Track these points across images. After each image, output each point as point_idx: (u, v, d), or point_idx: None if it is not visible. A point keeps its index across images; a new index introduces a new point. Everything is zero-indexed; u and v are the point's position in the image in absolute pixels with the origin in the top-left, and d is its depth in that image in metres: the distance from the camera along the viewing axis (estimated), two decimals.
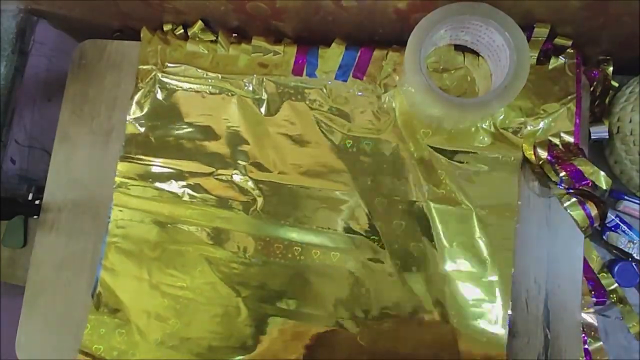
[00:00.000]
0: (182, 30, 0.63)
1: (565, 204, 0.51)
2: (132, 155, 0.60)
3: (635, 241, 0.56)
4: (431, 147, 0.53)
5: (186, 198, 0.58)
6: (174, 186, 0.59)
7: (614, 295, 0.57)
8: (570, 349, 0.50)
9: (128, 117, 0.61)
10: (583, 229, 0.51)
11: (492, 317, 0.49)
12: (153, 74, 0.61)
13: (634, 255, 0.56)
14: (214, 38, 0.61)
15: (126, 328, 0.57)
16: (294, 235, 0.55)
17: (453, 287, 0.51)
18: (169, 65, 0.60)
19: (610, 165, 0.56)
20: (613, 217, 0.57)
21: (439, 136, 0.53)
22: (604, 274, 0.57)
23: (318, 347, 0.53)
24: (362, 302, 0.53)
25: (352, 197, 0.54)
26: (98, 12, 0.64)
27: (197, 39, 0.62)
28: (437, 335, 0.51)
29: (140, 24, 0.63)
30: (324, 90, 0.56)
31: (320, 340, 0.53)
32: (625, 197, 0.57)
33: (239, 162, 0.57)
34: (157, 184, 0.59)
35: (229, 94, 0.59)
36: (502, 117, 0.52)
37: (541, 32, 0.51)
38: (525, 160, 0.52)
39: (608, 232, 0.57)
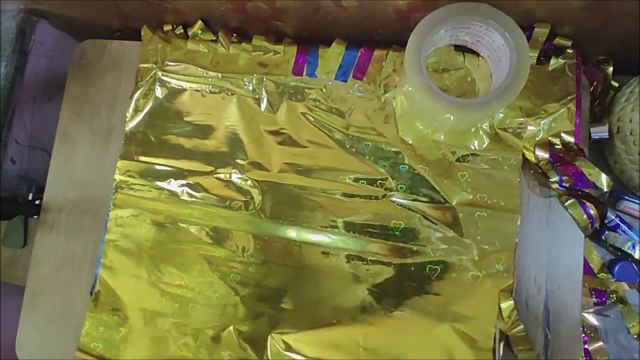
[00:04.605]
0: (182, 31, 0.63)
1: (565, 204, 0.51)
2: (132, 154, 0.60)
3: (635, 241, 0.56)
4: (431, 147, 0.53)
5: (185, 197, 0.58)
6: (173, 185, 0.59)
7: (614, 295, 0.57)
8: (570, 349, 0.50)
9: (127, 116, 0.61)
10: (583, 228, 0.51)
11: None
12: (153, 72, 0.61)
13: (634, 255, 0.56)
14: (214, 38, 0.61)
15: (124, 326, 0.57)
16: (293, 234, 0.55)
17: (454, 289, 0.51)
18: (169, 63, 0.60)
19: (610, 165, 0.56)
20: (613, 217, 0.57)
21: (438, 136, 0.53)
22: (604, 274, 0.57)
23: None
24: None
25: (352, 196, 0.54)
26: (98, 12, 0.64)
27: (198, 38, 0.62)
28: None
29: (140, 24, 0.63)
30: (324, 91, 0.56)
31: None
32: (625, 197, 0.57)
33: (238, 161, 0.57)
34: (157, 183, 0.59)
35: (229, 93, 0.59)
36: (502, 117, 0.52)
37: (541, 32, 0.51)
38: (525, 160, 0.52)
39: (607, 232, 0.57)
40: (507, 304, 0.49)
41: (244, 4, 0.54)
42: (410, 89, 0.49)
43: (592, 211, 0.50)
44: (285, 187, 0.56)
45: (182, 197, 0.58)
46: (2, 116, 0.62)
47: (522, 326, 0.49)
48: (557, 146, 0.51)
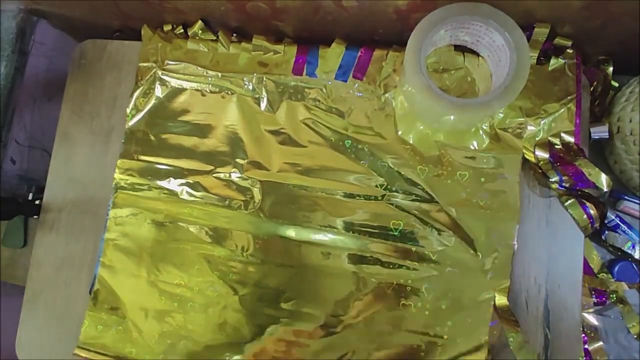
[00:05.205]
0: (182, 30, 0.63)
1: (565, 204, 0.51)
2: (132, 153, 0.60)
3: (635, 241, 0.56)
4: (431, 147, 0.53)
5: (185, 196, 0.58)
6: (173, 184, 0.59)
7: (614, 295, 0.57)
8: (570, 349, 0.50)
9: (127, 115, 0.61)
10: (583, 228, 0.51)
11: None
12: (153, 71, 0.61)
13: (634, 255, 0.56)
14: (214, 38, 0.61)
15: (123, 325, 0.57)
16: (293, 234, 0.55)
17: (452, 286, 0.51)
18: (169, 62, 0.60)
19: (610, 165, 0.56)
20: (613, 217, 0.57)
21: (438, 137, 0.53)
22: (604, 274, 0.57)
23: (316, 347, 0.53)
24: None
25: (352, 196, 0.54)
26: (98, 12, 0.64)
27: (198, 38, 0.62)
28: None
29: (140, 24, 0.63)
30: (324, 90, 0.56)
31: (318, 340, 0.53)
32: (625, 197, 0.57)
33: (238, 160, 0.57)
34: (157, 182, 0.59)
35: (229, 92, 0.59)
36: (502, 117, 0.52)
37: (541, 32, 0.51)
38: (525, 160, 0.52)
39: (607, 232, 0.57)
40: (501, 302, 0.49)
41: (244, 4, 0.54)
42: (410, 89, 0.49)
43: (592, 211, 0.50)
44: (285, 187, 0.56)
45: (182, 196, 0.58)
46: (2, 116, 0.62)
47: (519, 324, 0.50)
48: (557, 146, 0.51)
